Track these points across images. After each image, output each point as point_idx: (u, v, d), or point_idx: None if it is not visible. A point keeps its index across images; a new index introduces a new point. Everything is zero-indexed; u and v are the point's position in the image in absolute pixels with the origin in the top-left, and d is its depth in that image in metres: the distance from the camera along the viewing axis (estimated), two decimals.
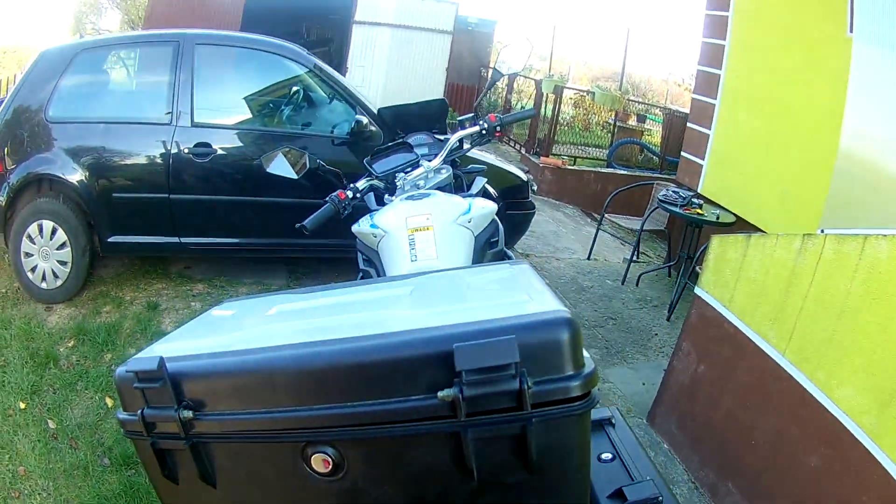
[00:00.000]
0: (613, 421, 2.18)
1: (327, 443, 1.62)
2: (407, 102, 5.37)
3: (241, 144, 6.67)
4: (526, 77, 18.65)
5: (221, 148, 6.55)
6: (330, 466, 1.63)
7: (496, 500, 1.62)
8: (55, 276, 6.56)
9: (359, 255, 3.85)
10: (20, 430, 5.29)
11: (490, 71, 5.05)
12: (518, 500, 1.61)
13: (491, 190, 6.61)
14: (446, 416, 1.50)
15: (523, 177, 7.34)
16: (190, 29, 7.01)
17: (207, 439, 1.70)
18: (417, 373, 1.52)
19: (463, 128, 4.32)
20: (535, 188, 8.26)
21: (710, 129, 5.41)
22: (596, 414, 2.11)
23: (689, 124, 5.98)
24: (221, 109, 6.82)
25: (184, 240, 6.74)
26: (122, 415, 1.74)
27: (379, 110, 5.73)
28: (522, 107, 17.31)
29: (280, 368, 1.64)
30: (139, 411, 1.70)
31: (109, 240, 6.59)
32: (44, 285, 6.61)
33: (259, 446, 1.69)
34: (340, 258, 5.13)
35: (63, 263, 6.52)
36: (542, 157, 13.52)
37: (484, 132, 4.28)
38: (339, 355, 1.59)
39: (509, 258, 3.91)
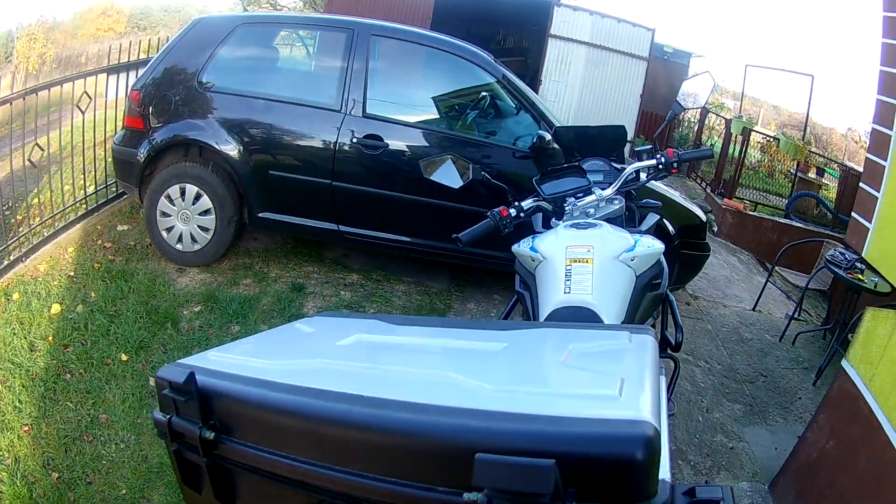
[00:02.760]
0: None
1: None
2: (585, 125, 5.46)
3: (416, 143, 7.05)
4: (717, 115, 19.07)
5: (394, 143, 6.97)
6: None
7: None
8: (193, 239, 7.21)
9: (517, 276, 3.92)
10: (114, 381, 5.73)
11: (673, 106, 5.05)
12: None
13: (669, 226, 7.00)
14: None
15: (703, 217, 7.63)
16: (367, 19, 7.42)
17: (227, 464, 1.81)
18: (447, 463, 1.47)
19: (640, 159, 4.40)
20: (714, 229, 8.41)
21: (879, 192, 5.37)
22: (707, 493, 1.86)
23: (861, 184, 5.95)
24: (395, 104, 7.26)
25: (342, 228, 7.24)
26: (157, 414, 1.85)
27: (556, 129, 6.10)
28: (712, 144, 17.23)
29: (309, 417, 1.67)
30: (168, 418, 1.82)
31: (260, 215, 7.20)
32: (179, 247, 7.26)
33: (275, 488, 1.75)
34: (506, 272, 5.11)
35: (204, 230, 7.17)
36: (725, 199, 13.86)
37: (661, 166, 4.31)
38: (370, 421, 1.58)
39: (671, 302, 3.95)
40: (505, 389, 1.72)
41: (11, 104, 6.72)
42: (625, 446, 1.32)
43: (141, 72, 7.71)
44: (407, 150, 6.95)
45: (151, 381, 5.62)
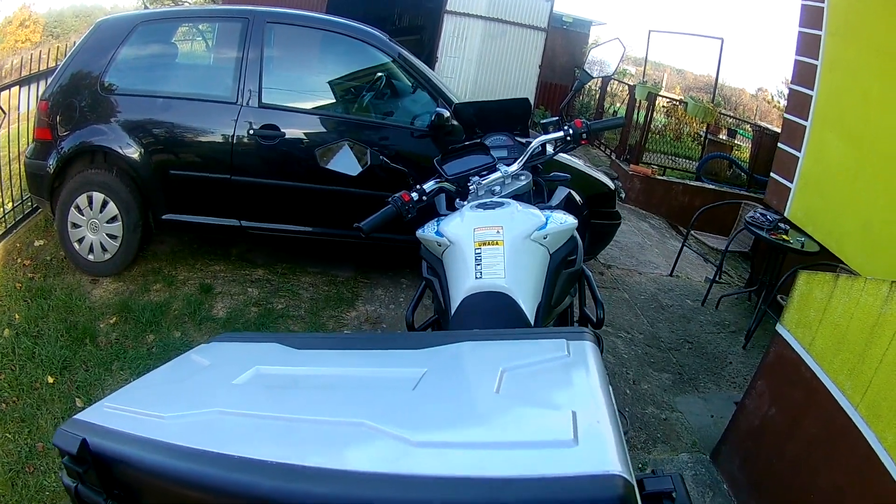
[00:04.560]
0: (674, 495, 1.66)
1: None
2: (486, 100, 5.05)
3: (313, 130, 6.73)
4: (620, 81, 18.96)
5: (290, 131, 6.61)
6: None
7: None
8: (104, 249, 6.76)
9: (423, 262, 3.63)
10: (44, 405, 5.39)
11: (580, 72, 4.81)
12: None
13: (577, 197, 6.46)
14: None
15: (611, 185, 7.32)
16: (262, 7, 7.02)
17: None
18: None
19: (546, 132, 4.12)
20: (622, 196, 8.10)
21: (800, 152, 5.18)
22: (655, 485, 1.63)
23: (779, 144, 5.79)
24: (293, 92, 6.90)
25: (245, 223, 6.88)
26: (65, 480, 1.60)
27: (455, 106, 5.54)
28: (615, 111, 17.34)
29: (213, 490, 1.39)
30: (75, 486, 1.57)
31: (164, 217, 6.75)
32: (91, 257, 6.80)
33: None
34: (412, 254, 4.78)
35: (113, 237, 6.72)
36: (631, 165, 13.68)
37: (569, 138, 4.05)
38: (280, 496, 1.30)
39: (587, 277, 3.68)
40: (432, 442, 1.43)
41: None
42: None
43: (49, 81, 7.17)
44: (304, 137, 6.65)
45: (79, 403, 5.32)
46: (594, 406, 1.48)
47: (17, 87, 7.74)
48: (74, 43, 7.43)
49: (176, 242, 7.65)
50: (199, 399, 1.88)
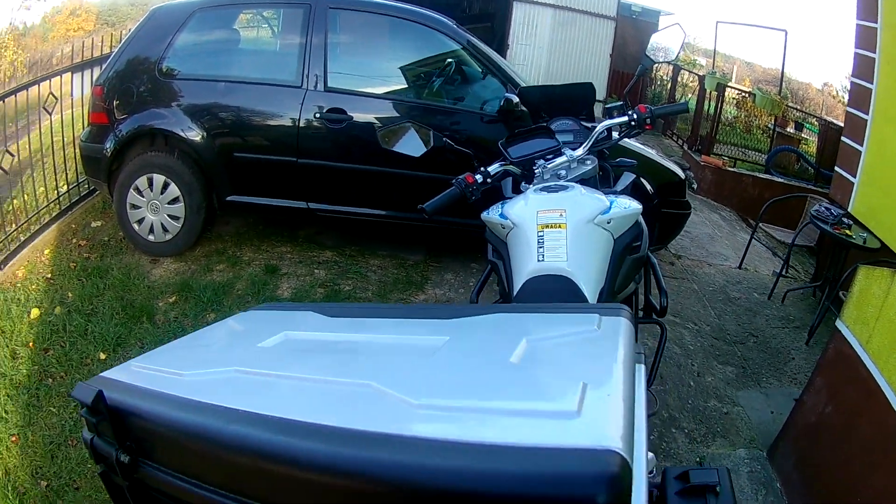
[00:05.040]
0: (718, 489, 1.67)
1: None
2: (551, 84, 5.20)
3: (383, 114, 6.94)
4: (690, 72, 19.08)
5: (358, 115, 6.86)
6: None
7: None
8: (164, 229, 7.11)
9: (488, 245, 3.75)
10: None
11: (642, 59, 4.88)
12: None
13: (647, 186, 6.85)
14: None
15: (681, 174, 7.46)
16: None
17: (146, 487, 1.69)
18: (355, 494, 1.27)
19: (611, 117, 4.24)
20: (694, 186, 8.25)
21: (862, 146, 5.22)
22: (700, 477, 1.67)
23: (842, 138, 5.80)
24: (358, 77, 7.17)
25: (312, 205, 7.14)
26: (85, 433, 1.74)
27: (520, 90, 5.93)
28: (686, 101, 17.08)
29: (210, 440, 1.50)
30: (91, 438, 1.71)
31: (228, 199, 7.07)
32: (151, 238, 7.16)
33: None
34: (480, 238, 4.88)
35: (175, 218, 7.06)
36: (703, 156, 13.91)
37: (633, 123, 4.19)
38: (270, 448, 1.39)
39: (653, 265, 3.83)
40: (433, 405, 1.47)
41: None
42: (583, 489, 1.10)
43: (103, 67, 7.55)
44: (373, 121, 6.82)
45: None
46: (608, 380, 1.49)
47: (70, 73, 8.10)
48: (129, 30, 7.69)
49: (241, 224, 7.96)
50: (222, 359, 2.05)
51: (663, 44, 4.53)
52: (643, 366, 1.89)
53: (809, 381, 5.30)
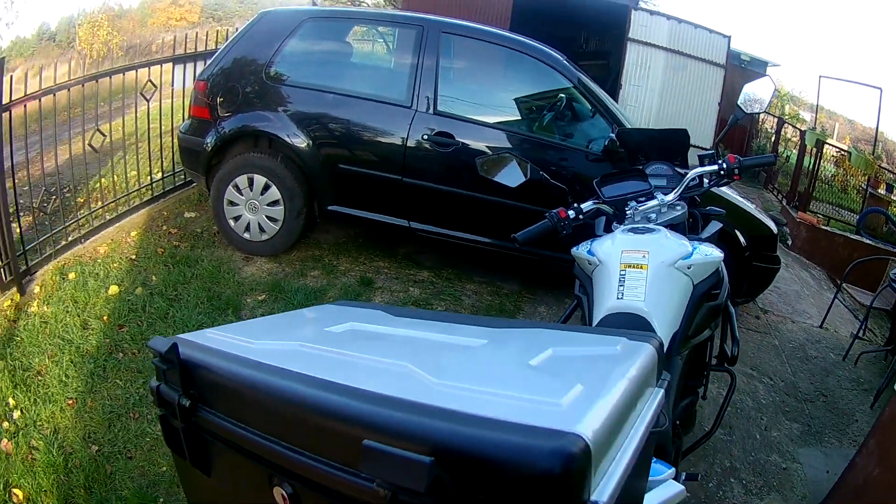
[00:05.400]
0: None
1: (286, 479, 1.74)
2: (649, 128, 5.52)
3: (491, 143, 7.16)
4: (793, 126, 19.39)
5: (465, 141, 7.15)
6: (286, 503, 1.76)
7: None
8: (261, 229, 7.57)
9: (576, 280, 4.02)
10: None
11: (735, 110, 5.10)
12: None
13: (740, 237, 7.09)
14: None
15: (773, 228, 7.62)
16: (440, 16, 7.64)
17: (200, 431, 1.97)
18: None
19: (703, 164, 4.41)
20: (789, 242, 8.45)
21: None
22: None
23: None
24: (467, 103, 7.44)
25: (414, 224, 7.47)
26: (153, 382, 2.03)
27: (618, 132, 6.27)
28: (788, 156, 17.16)
29: (263, 393, 1.79)
30: (157, 385, 2.00)
31: (330, 208, 7.54)
32: (246, 236, 7.64)
33: (238, 458, 1.87)
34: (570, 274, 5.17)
35: (273, 220, 7.52)
36: (799, 212, 14.04)
37: (722, 172, 4.33)
38: (307, 400, 1.68)
39: (730, 314, 4.03)
40: (449, 385, 1.74)
41: (69, 90, 7.13)
42: (542, 459, 1.30)
43: (207, 62, 8.05)
44: (479, 148, 7.06)
45: None
46: (603, 386, 1.67)
47: (171, 63, 8.62)
48: (237, 29, 8.22)
49: (341, 234, 8.38)
50: (290, 336, 2.35)
51: (755, 95, 4.71)
52: (661, 390, 2.06)
53: (864, 443, 5.45)
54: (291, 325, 2.62)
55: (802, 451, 6.29)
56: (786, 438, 6.41)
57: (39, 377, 5.76)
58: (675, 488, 2.59)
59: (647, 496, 2.30)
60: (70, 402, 5.52)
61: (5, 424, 5.36)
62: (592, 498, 1.37)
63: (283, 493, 1.71)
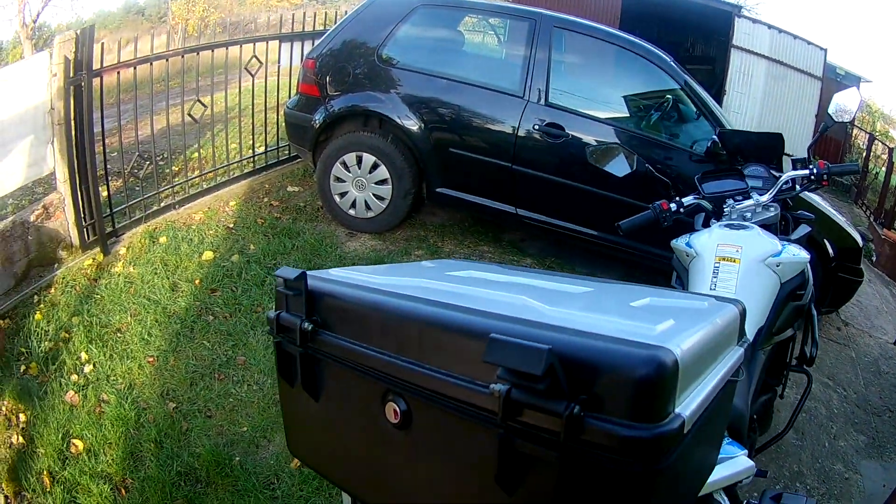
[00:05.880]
0: None
1: (400, 395, 1.88)
2: (748, 130, 5.70)
3: (600, 136, 7.23)
4: (883, 143, 19.36)
5: (575, 133, 7.23)
6: (398, 419, 1.87)
7: None
8: (368, 207, 7.82)
9: (674, 271, 4.23)
10: (260, 328, 6.19)
11: (825, 118, 5.27)
12: None
13: (828, 246, 7.17)
14: (493, 412, 1.59)
15: (859, 241, 7.67)
16: (550, 11, 7.75)
17: (318, 354, 2.14)
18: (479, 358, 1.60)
19: (794, 169, 4.65)
20: (873, 258, 8.59)
21: None
22: (790, 500, 2.22)
23: None
24: (576, 96, 7.53)
25: (520, 212, 7.59)
26: (270, 313, 2.24)
27: (720, 132, 6.41)
28: (876, 173, 17.20)
29: (383, 312, 1.96)
30: (278, 313, 2.20)
31: (438, 190, 7.74)
32: (352, 212, 7.89)
33: (354, 376, 2.02)
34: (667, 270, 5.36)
35: (380, 198, 7.79)
36: (885, 229, 14.02)
37: (812, 177, 4.54)
38: (423, 315, 1.84)
39: (812, 316, 4.17)
40: (561, 312, 1.88)
41: (167, 61, 7.42)
42: (637, 364, 1.45)
43: (316, 42, 8.28)
44: (588, 141, 7.14)
45: None
46: (690, 323, 1.80)
47: (278, 41, 8.93)
48: (346, 12, 8.55)
49: (447, 217, 8.59)
50: (413, 275, 2.50)
51: (843, 105, 4.85)
52: (741, 349, 2.18)
53: None
54: (413, 269, 2.77)
55: (864, 463, 6.37)
56: (851, 449, 6.51)
57: (118, 334, 6.05)
58: (745, 463, 2.70)
59: (718, 467, 2.46)
60: (150, 359, 5.80)
61: (74, 377, 5.64)
62: (677, 410, 1.55)
63: (396, 408, 1.87)
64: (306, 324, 2.10)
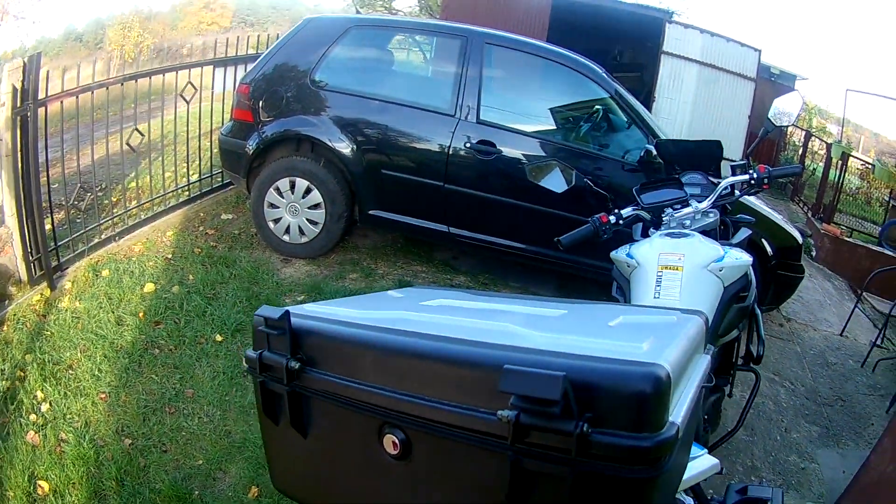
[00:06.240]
0: None
1: (399, 427, 1.92)
2: (685, 139, 5.72)
3: (530, 151, 7.35)
4: (820, 139, 19.71)
5: (507, 150, 7.28)
6: (398, 450, 1.92)
7: None
8: (301, 232, 7.70)
9: (614, 282, 4.22)
10: (206, 359, 6.19)
11: (765, 123, 5.34)
12: None
13: (768, 246, 7.29)
14: (501, 437, 1.68)
15: (799, 239, 7.83)
16: (481, 27, 7.78)
17: (305, 392, 2.16)
18: (486, 388, 1.71)
19: (734, 174, 4.67)
20: (813, 253, 8.67)
21: None
22: (757, 492, 2.28)
23: None
24: (508, 112, 7.58)
25: (453, 230, 7.58)
26: (250, 352, 2.23)
27: (657, 142, 6.37)
28: (814, 169, 17.39)
29: (376, 347, 2.00)
30: (260, 353, 2.20)
31: (371, 212, 7.66)
32: (286, 238, 7.77)
33: (346, 412, 2.06)
34: (605, 283, 5.38)
35: (313, 223, 7.65)
36: (823, 224, 14.27)
37: (753, 181, 4.61)
38: (428, 351, 1.89)
39: (756, 316, 4.20)
40: (548, 336, 2.01)
41: (108, 89, 7.23)
42: (636, 381, 1.59)
43: (249, 67, 8.21)
44: (520, 157, 7.24)
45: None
46: (670, 339, 1.95)
47: (212, 66, 8.83)
48: (277, 35, 8.54)
49: (379, 238, 8.53)
50: (390, 307, 2.58)
51: (784, 109, 4.93)
52: (708, 356, 2.33)
53: (878, 442, 5.73)
54: (384, 301, 2.84)
55: (820, 452, 6.47)
56: (805, 440, 6.60)
57: (70, 371, 5.93)
58: (710, 461, 2.75)
59: (689, 465, 2.53)
60: (102, 395, 5.71)
61: (32, 417, 5.51)
62: (670, 418, 1.69)
63: (395, 439, 1.91)
64: (293, 363, 2.11)
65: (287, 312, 2.12)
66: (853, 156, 16.94)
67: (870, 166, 16.88)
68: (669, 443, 1.62)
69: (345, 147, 7.40)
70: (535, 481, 1.69)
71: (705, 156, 5.14)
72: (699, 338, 2.29)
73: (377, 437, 1.97)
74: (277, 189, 7.60)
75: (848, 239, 13.82)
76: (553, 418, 1.58)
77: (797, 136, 20.48)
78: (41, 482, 5.03)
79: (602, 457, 1.58)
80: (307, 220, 7.66)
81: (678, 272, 3.68)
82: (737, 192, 4.63)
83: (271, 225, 7.75)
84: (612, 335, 2.16)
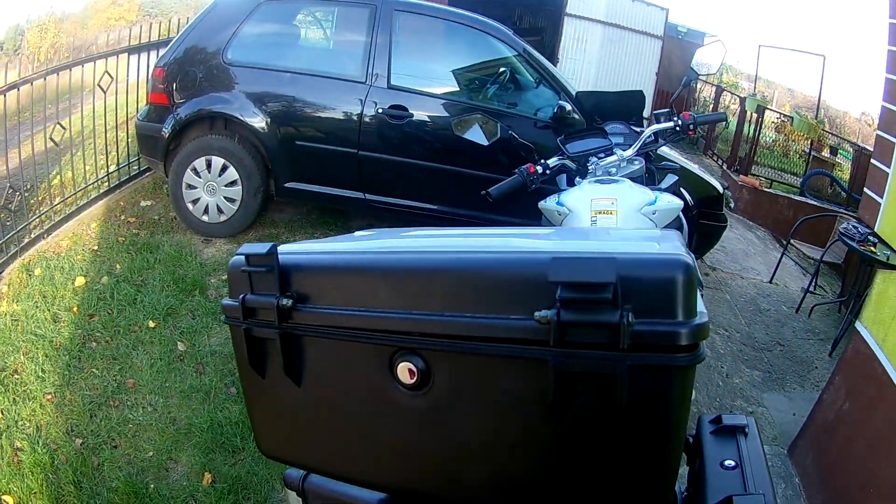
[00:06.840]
0: (747, 431, 2.15)
1: (415, 351, 1.65)
2: (606, 90, 5.59)
3: (440, 113, 7.30)
4: (732, 93, 19.58)
5: (419, 113, 7.26)
6: (415, 378, 1.66)
7: (577, 452, 1.59)
8: (220, 211, 7.52)
9: None
10: (141, 347, 6.03)
11: (688, 73, 5.34)
12: (600, 454, 1.58)
13: (686, 195, 7.06)
14: (539, 342, 1.49)
15: (720, 189, 7.88)
16: None
17: (300, 332, 1.82)
18: (520, 293, 1.53)
19: (658, 122, 4.69)
20: (731, 205, 8.58)
21: (890, 169, 5.51)
22: (731, 420, 2.13)
23: (872, 161, 6.09)
24: (419, 77, 7.57)
25: (369, 197, 7.54)
26: (227, 301, 1.87)
27: (577, 94, 6.48)
28: (727, 123, 17.44)
29: (386, 269, 1.72)
30: (242, 296, 1.84)
31: (287, 185, 7.47)
32: (205, 218, 7.56)
33: (349, 346, 1.76)
34: None
35: (231, 200, 7.48)
36: (741, 176, 14.39)
37: (678, 129, 4.60)
38: (444, 263, 1.67)
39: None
40: (561, 243, 1.93)
41: (32, 84, 6.95)
42: (671, 268, 1.45)
43: (162, 51, 7.98)
44: (431, 119, 7.24)
45: (180, 346, 5.95)
46: (673, 242, 1.79)
47: (126, 54, 8.46)
48: (187, 20, 8.29)
49: (294, 211, 8.37)
50: (374, 240, 2.29)
51: (707, 59, 4.93)
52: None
53: (829, 380, 5.71)
54: (362, 238, 2.39)
55: (766, 396, 6.46)
56: (748, 385, 6.59)
57: (16, 376, 5.67)
58: None
59: None
60: (49, 397, 5.48)
61: None
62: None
63: (412, 367, 1.65)
64: (284, 300, 1.75)
65: (274, 246, 1.78)
66: (770, 108, 17.21)
67: (787, 119, 17.00)
68: (706, 327, 1.47)
69: (258, 122, 7.25)
70: (579, 385, 1.50)
71: (628, 106, 5.15)
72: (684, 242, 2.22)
73: (388, 368, 1.68)
74: (194, 169, 7.40)
75: (768, 190, 13.95)
76: (598, 310, 1.41)
77: (707, 93, 20.45)
78: (5, 497, 4.85)
79: (648, 346, 1.43)
80: (225, 197, 7.48)
81: (612, 216, 3.74)
82: (660, 140, 4.65)
83: (190, 206, 7.53)
84: (620, 240, 2.10)
